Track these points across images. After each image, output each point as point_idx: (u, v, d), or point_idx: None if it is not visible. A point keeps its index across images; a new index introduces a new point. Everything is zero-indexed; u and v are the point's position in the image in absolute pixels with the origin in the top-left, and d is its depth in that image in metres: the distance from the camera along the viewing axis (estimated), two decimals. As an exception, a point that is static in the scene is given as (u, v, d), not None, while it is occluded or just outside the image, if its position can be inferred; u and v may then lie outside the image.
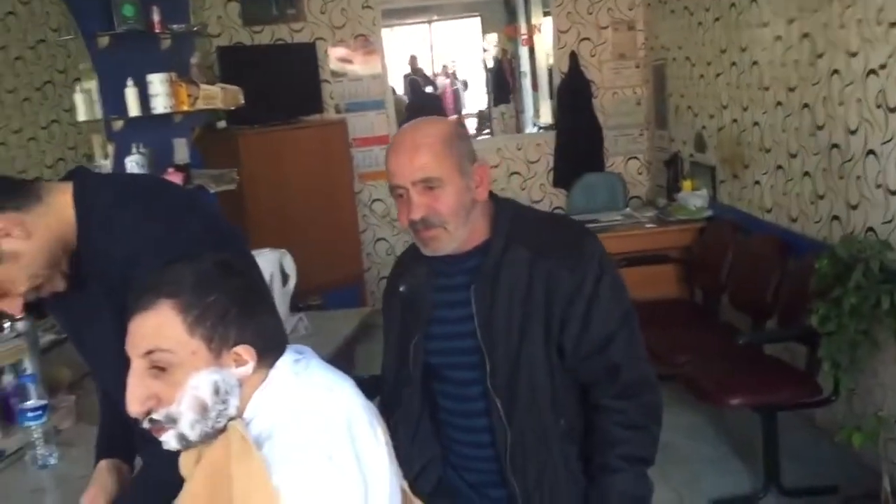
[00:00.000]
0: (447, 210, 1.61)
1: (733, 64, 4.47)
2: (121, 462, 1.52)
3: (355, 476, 1.03)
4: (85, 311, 1.33)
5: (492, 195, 1.76)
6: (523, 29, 9.27)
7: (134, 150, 3.20)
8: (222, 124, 5.42)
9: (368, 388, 2.01)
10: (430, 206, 1.61)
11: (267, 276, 3.26)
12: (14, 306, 1.25)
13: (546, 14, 7.07)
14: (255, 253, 3.35)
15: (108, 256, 1.25)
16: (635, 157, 6.30)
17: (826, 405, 3.30)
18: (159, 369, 1.03)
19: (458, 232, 1.65)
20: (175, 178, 3.27)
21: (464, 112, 11.59)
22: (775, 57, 3.95)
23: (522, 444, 1.68)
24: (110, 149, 3.13)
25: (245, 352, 1.06)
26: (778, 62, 3.93)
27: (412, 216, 1.61)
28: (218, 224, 1.43)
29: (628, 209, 5.46)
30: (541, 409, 1.68)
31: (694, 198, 4.87)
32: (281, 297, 3.30)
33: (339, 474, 1.01)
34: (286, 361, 1.11)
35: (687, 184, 5.10)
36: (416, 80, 10.07)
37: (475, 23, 11.29)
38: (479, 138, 9.25)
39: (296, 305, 3.50)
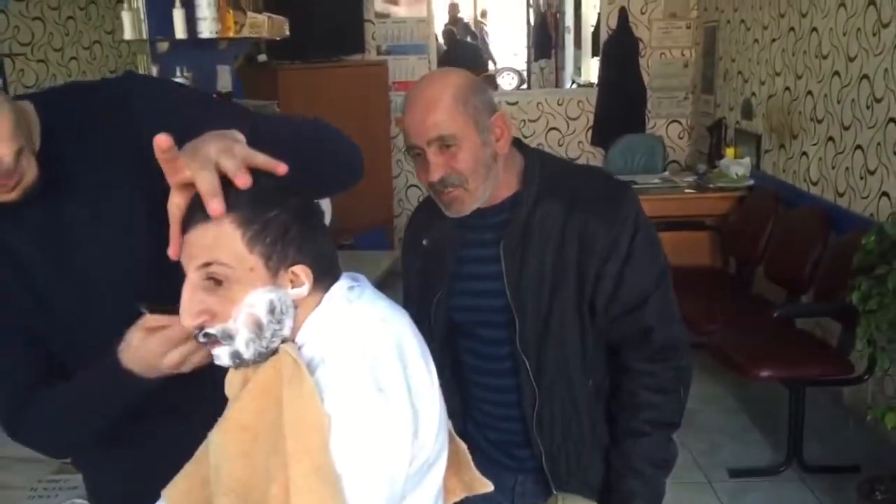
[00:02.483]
0: (466, 168, 1.53)
1: (791, 29, 4.34)
2: None
3: (405, 407, 1.01)
4: (81, 218, 1.19)
5: (521, 146, 1.69)
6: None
7: (178, 73, 3.16)
8: (263, 57, 5.37)
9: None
10: (448, 164, 1.53)
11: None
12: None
13: (597, -32, 6.91)
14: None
15: (135, 135, 1.16)
16: (677, 121, 6.19)
17: (856, 384, 3.26)
18: (216, 283, 1.00)
19: (480, 190, 1.57)
20: (216, 105, 3.22)
21: (500, 66, 11.42)
22: (837, 24, 3.83)
23: (550, 404, 1.65)
24: (154, 70, 3.09)
25: (302, 272, 1.02)
26: (839, 30, 3.81)
27: (430, 177, 1.54)
28: None
29: (666, 173, 5.37)
30: (570, 369, 1.64)
31: (736, 165, 4.77)
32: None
33: (389, 404, 0.99)
34: (341, 287, 1.07)
35: (730, 151, 5.00)
36: (451, 29, 9.89)
37: (522, -27, 11.06)
38: (517, 90, 9.13)
39: (329, 243, 3.47)
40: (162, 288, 1.07)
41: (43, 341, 1.22)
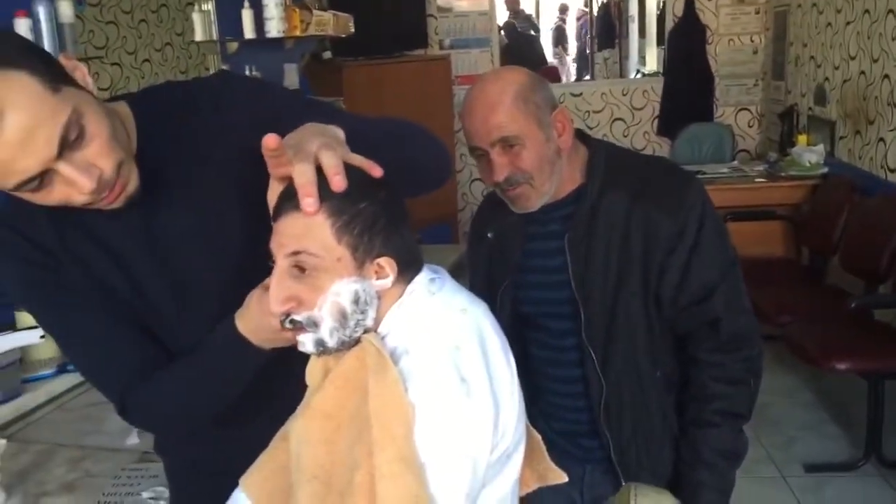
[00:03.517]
0: (531, 166, 1.54)
1: (866, 12, 4.20)
2: None
3: (487, 397, 1.02)
4: (178, 220, 1.20)
5: (584, 138, 1.69)
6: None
7: (247, 72, 3.22)
8: (328, 55, 5.43)
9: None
10: (513, 164, 1.54)
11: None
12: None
13: (661, -45, 6.79)
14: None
15: (230, 129, 1.18)
16: (747, 109, 6.05)
17: (940, 378, 3.16)
18: (302, 271, 1.02)
19: (546, 186, 1.58)
20: (284, 103, 3.28)
21: (567, 56, 11.32)
22: (915, 5, 3.69)
23: (618, 395, 1.64)
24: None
25: (387, 264, 1.04)
26: (918, 11, 3.67)
27: (495, 178, 1.56)
28: None
29: (736, 162, 5.26)
30: (637, 360, 1.63)
31: (809, 153, 4.65)
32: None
33: (472, 393, 1.00)
34: (422, 279, 1.09)
35: (802, 138, 4.87)
36: (512, 23, 9.83)
37: (584, -37, 10.94)
38: (581, 81, 9.05)
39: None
40: (256, 286, 1.10)
41: (148, 329, 1.24)
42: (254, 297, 1.12)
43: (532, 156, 1.54)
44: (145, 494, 1.75)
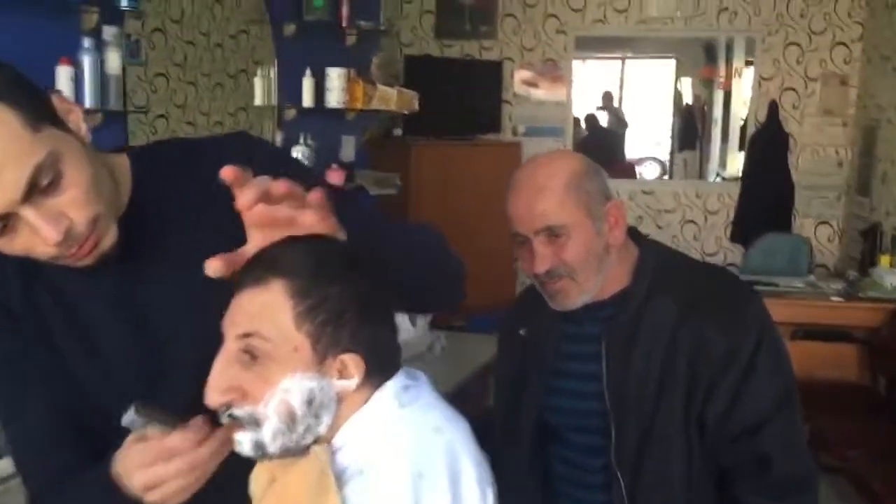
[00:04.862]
0: (575, 259, 1.41)
1: (961, 132, 3.97)
2: None
3: None
4: (165, 278, 1.10)
5: (636, 236, 1.55)
6: (722, 72, 8.84)
7: (301, 139, 3.19)
8: (398, 132, 5.44)
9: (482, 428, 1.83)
10: (556, 256, 1.41)
11: (412, 287, 3.16)
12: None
13: (749, 63, 6.65)
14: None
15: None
16: (827, 223, 5.78)
17: None
18: (252, 358, 0.88)
19: (589, 283, 1.44)
20: (337, 175, 3.23)
21: (643, 156, 11.20)
22: None
23: None
24: (279, 136, 3.13)
25: (353, 362, 0.88)
26: None
27: (536, 269, 1.42)
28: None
29: (812, 277, 4.99)
30: (671, 495, 1.44)
31: (891, 275, 4.37)
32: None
33: None
34: (394, 386, 0.92)
35: (885, 259, 4.59)
36: (594, 115, 9.80)
37: (670, 64, 10.91)
38: (655, 180, 8.91)
39: (436, 324, 3.37)
40: None
41: (79, 400, 1.11)
42: (130, 440, 0.94)
43: (578, 248, 1.41)
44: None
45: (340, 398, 0.90)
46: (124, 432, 1.03)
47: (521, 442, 1.58)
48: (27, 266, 1.03)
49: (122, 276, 1.07)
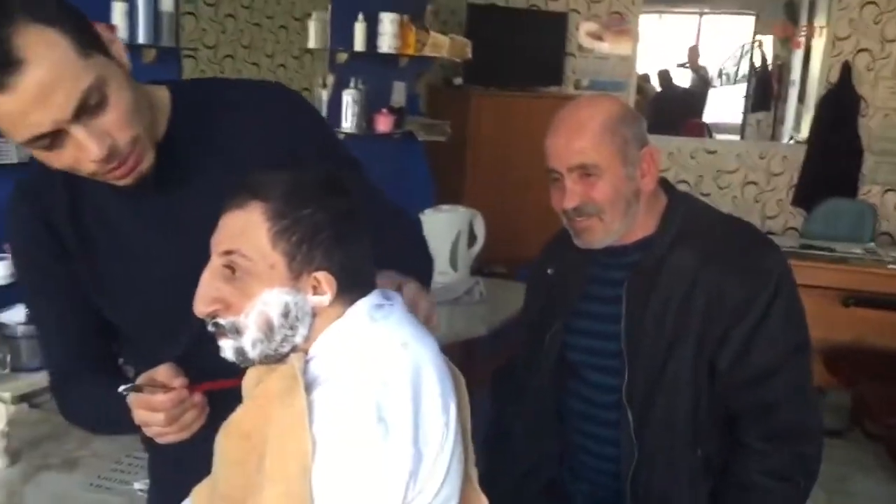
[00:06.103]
0: (604, 199, 1.46)
1: None
2: None
3: (407, 444, 0.90)
4: (200, 203, 1.13)
5: (668, 188, 1.58)
6: (802, 30, 8.52)
7: (352, 84, 3.24)
8: (458, 81, 5.45)
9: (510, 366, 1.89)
10: (586, 193, 1.46)
11: (454, 234, 3.21)
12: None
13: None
14: (446, 209, 3.33)
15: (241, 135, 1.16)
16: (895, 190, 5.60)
17: None
18: (233, 272, 0.96)
19: (615, 224, 1.49)
20: (386, 119, 3.28)
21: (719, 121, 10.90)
22: None
23: (650, 468, 1.50)
24: (330, 79, 3.18)
25: (325, 280, 0.96)
26: None
27: (565, 204, 1.48)
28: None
29: (873, 244, 4.87)
30: (677, 433, 1.49)
31: (955, 246, 4.23)
32: (464, 258, 3.24)
33: (388, 437, 0.89)
34: (367, 303, 0.99)
35: (950, 229, 4.44)
36: (667, 71, 9.54)
37: (748, 21, 10.56)
38: (718, 139, 8.70)
39: (478, 269, 3.42)
40: None
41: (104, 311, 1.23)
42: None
43: (608, 189, 1.46)
44: (136, 485, 1.72)
45: (315, 312, 0.97)
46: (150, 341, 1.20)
47: (543, 376, 1.66)
48: (75, 184, 1.13)
49: (163, 202, 1.16)
